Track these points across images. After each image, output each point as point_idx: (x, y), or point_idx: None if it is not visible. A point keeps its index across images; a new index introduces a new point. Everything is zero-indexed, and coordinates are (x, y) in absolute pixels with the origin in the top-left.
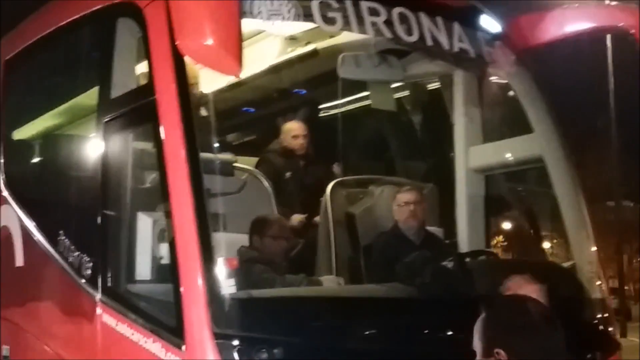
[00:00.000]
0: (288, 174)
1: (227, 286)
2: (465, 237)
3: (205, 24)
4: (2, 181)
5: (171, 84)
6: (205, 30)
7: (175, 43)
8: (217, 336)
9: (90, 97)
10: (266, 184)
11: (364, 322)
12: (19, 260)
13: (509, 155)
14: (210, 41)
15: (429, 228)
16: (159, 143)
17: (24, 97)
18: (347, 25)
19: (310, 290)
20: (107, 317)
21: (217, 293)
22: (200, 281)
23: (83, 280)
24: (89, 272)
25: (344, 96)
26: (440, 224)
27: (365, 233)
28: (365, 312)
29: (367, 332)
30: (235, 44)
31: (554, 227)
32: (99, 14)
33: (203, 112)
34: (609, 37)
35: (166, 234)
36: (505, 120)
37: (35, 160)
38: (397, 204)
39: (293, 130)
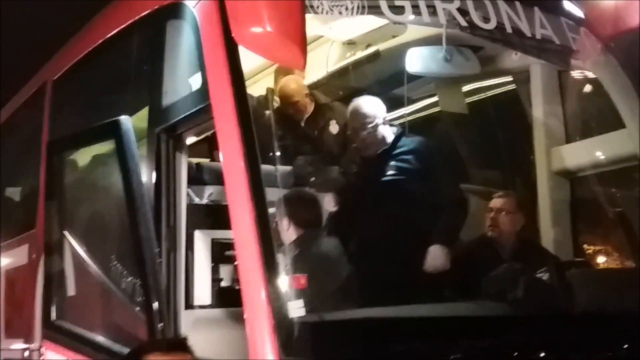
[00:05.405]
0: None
1: (296, 308)
2: (551, 248)
3: (263, 8)
4: None
5: (226, 86)
6: (263, 15)
7: (231, 34)
8: None
9: (140, 111)
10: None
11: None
12: (79, 289)
13: (597, 155)
14: (269, 28)
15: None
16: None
17: (71, 117)
18: (416, 15)
19: (392, 310)
20: None
21: (284, 316)
22: (264, 303)
23: (137, 308)
24: (142, 298)
25: (409, 101)
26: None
27: None
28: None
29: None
30: (298, 31)
31: None
32: (145, 21)
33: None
34: None
35: (226, 254)
36: (591, 116)
37: (84, 182)
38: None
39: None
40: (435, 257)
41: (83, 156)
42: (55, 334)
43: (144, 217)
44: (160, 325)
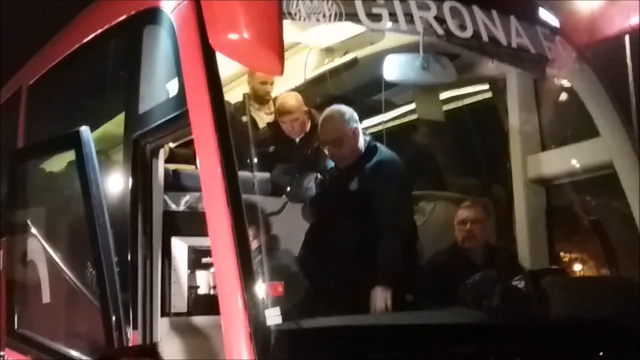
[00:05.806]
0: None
1: (272, 315)
2: (527, 256)
3: (240, 15)
4: None
5: (203, 92)
6: (240, 22)
7: (208, 40)
8: None
9: (117, 117)
10: None
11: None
12: (46, 297)
13: (573, 163)
14: (246, 35)
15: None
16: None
17: (46, 123)
18: (394, 23)
19: (368, 318)
20: None
21: (261, 324)
22: (241, 311)
23: (102, 315)
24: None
25: (387, 108)
26: (497, 241)
27: (417, 253)
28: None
29: None
30: (275, 38)
31: (627, 241)
32: (123, 25)
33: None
34: None
35: (203, 261)
36: (566, 125)
37: (46, 191)
38: (456, 221)
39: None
40: (376, 299)
41: (45, 166)
42: (17, 342)
43: (102, 227)
44: (117, 333)
